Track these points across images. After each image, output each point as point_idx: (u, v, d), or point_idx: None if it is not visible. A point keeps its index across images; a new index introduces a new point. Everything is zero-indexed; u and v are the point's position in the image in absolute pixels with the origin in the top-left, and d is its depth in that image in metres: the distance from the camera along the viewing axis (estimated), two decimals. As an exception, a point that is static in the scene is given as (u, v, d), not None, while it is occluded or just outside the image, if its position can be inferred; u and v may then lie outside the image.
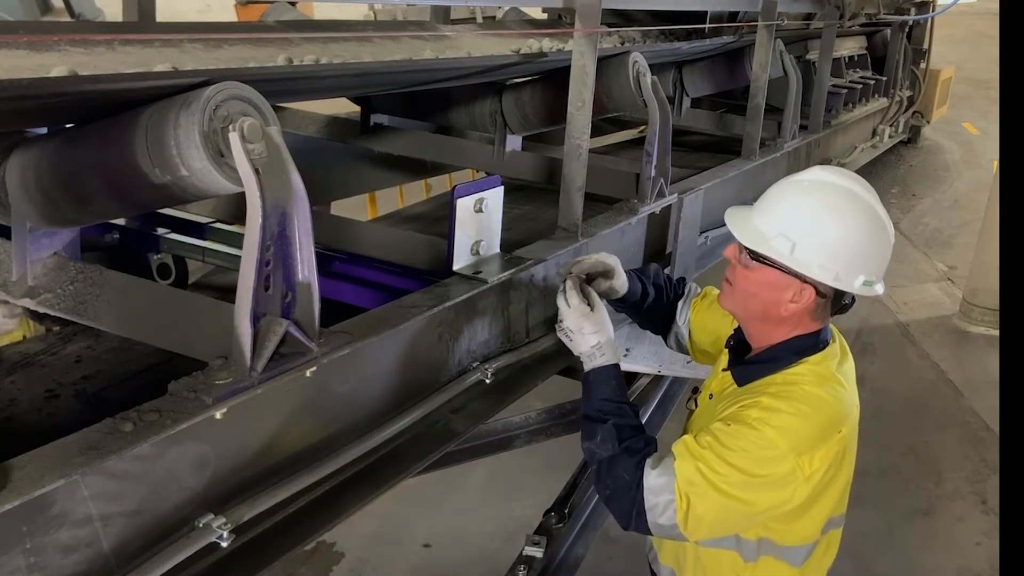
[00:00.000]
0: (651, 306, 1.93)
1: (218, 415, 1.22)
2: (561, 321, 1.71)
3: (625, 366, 2.43)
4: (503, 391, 1.88)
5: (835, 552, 1.66)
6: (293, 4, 2.50)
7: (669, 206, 2.63)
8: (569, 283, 1.72)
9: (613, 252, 2.43)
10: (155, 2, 2.08)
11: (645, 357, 2.44)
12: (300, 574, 3.19)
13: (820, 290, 1.50)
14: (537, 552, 2.07)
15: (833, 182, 1.54)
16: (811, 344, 1.56)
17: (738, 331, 1.69)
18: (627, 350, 2.46)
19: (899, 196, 8.26)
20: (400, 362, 1.64)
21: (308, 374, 1.36)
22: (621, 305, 1.93)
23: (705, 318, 1.91)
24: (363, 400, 1.56)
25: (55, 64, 1.24)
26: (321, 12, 7.08)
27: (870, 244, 1.51)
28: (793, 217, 1.51)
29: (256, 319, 1.25)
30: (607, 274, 1.83)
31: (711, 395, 1.69)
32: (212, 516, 1.23)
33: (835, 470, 1.50)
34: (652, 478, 1.48)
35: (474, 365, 1.85)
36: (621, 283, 1.85)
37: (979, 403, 4.49)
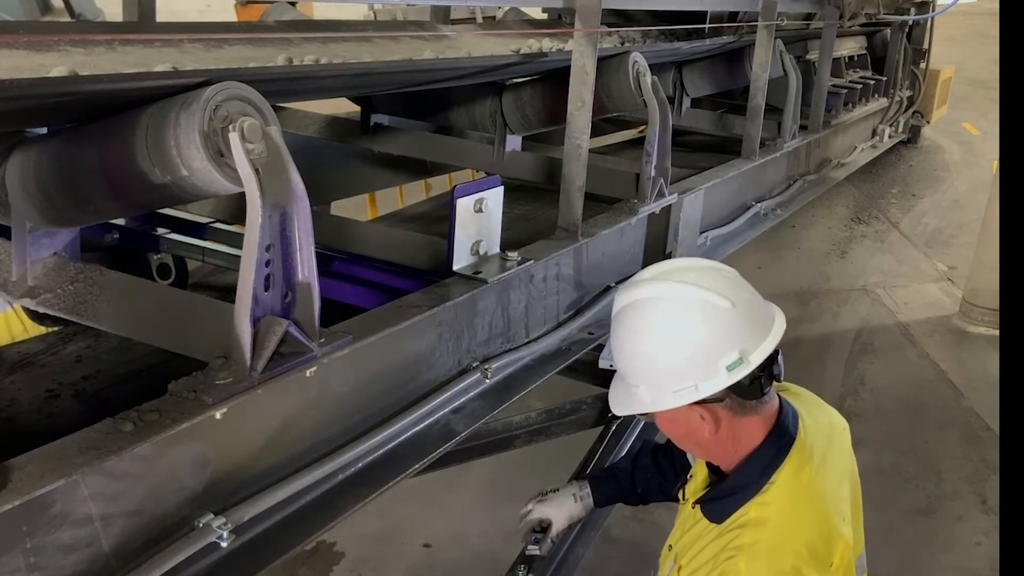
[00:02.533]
0: (642, 493, 1.96)
1: (218, 415, 1.22)
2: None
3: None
4: (503, 391, 1.88)
5: None
6: (293, 4, 2.50)
7: (669, 206, 2.63)
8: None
9: (613, 252, 2.45)
10: (155, 2, 2.08)
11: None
12: (300, 574, 3.19)
13: (707, 399, 1.35)
14: (537, 552, 2.06)
15: (627, 303, 1.41)
16: (772, 454, 1.38)
17: None
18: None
19: (899, 196, 8.26)
20: (400, 362, 1.64)
21: (308, 374, 1.36)
22: (628, 499, 2.01)
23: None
24: (363, 400, 1.56)
25: (55, 64, 1.24)
26: (321, 12, 7.08)
27: (700, 336, 1.33)
28: (626, 363, 1.42)
29: (256, 319, 1.26)
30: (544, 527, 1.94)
31: (694, 504, 1.52)
32: (212, 516, 1.23)
33: None
34: None
35: (474, 365, 1.85)
36: (564, 519, 1.96)
37: (979, 403, 4.49)
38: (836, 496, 1.40)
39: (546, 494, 1.99)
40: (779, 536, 1.31)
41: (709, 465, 1.52)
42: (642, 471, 1.91)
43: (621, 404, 1.46)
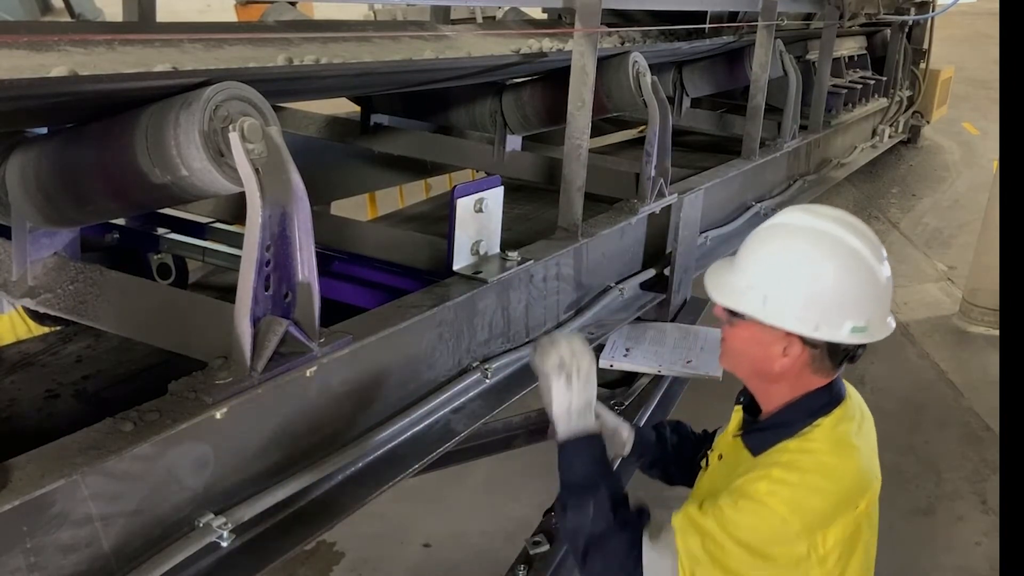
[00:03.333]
0: (676, 455, 1.78)
1: (218, 415, 1.22)
2: (571, 357, 1.53)
3: (625, 366, 2.43)
4: (503, 391, 1.88)
5: None
6: (293, 4, 2.51)
7: (669, 206, 2.63)
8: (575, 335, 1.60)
9: (613, 252, 2.45)
10: (155, 2, 2.08)
11: (645, 357, 2.44)
12: (300, 574, 3.19)
13: (808, 341, 1.39)
14: (537, 551, 2.06)
15: (803, 224, 1.45)
16: (823, 403, 1.44)
17: (746, 389, 1.59)
18: (627, 350, 2.46)
19: (899, 196, 8.26)
20: (400, 362, 1.64)
21: (308, 374, 1.36)
22: (640, 462, 1.81)
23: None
24: (363, 400, 1.56)
25: (55, 64, 1.24)
26: (321, 12, 7.08)
27: (851, 287, 1.38)
28: (764, 267, 1.42)
29: (256, 319, 1.26)
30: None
31: (720, 456, 1.59)
32: (212, 516, 1.23)
33: (850, 549, 1.39)
34: (652, 555, 1.38)
35: (474, 365, 1.85)
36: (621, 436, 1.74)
37: (979, 403, 4.49)
38: (869, 454, 1.46)
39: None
40: (812, 468, 1.37)
41: (747, 409, 1.57)
42: (680, 431, 1.82)
43: (729, 296, 1.45)
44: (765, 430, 1.47)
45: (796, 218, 1.47)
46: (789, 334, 1.39)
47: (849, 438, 1.43)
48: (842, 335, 1.38)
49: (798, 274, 1.39)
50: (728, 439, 1.61)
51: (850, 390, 1.53)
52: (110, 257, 2.23)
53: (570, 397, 1.52)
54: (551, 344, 1.55)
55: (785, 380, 1.44)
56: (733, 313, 1.45)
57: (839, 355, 1.42)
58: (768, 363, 1.43)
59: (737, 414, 1.61)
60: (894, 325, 1.46)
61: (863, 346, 1.43)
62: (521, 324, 2.03)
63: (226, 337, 1.28)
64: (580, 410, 1.53)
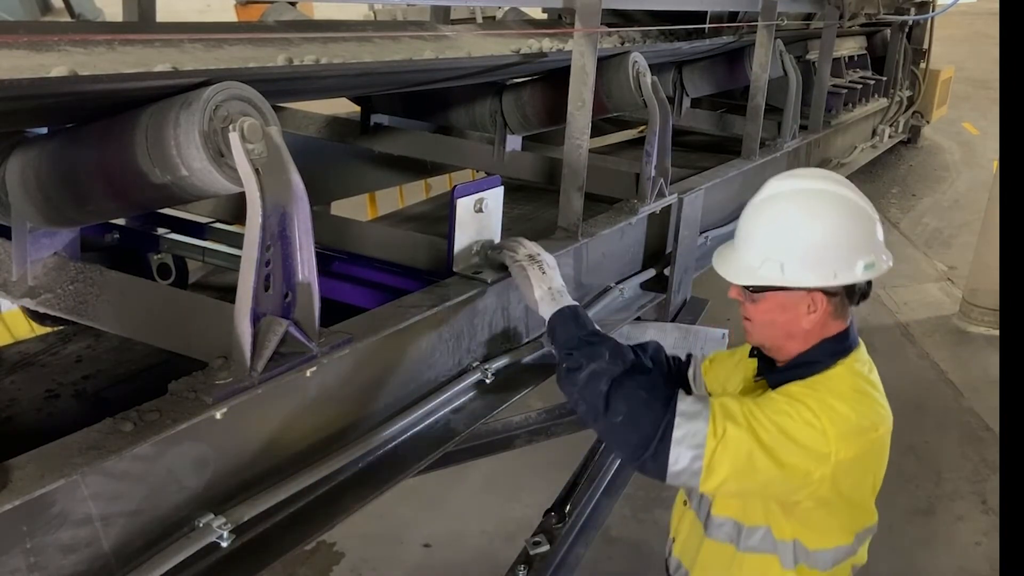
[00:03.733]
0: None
1: (218, 415, 1.22)
2: (538, 255, 1.73)
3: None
4: (503, 391, 1.88)
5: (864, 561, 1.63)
6: (293, 4, 2.50)
7: (669, 206, 2.63)
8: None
9: (613, 252, 2.45)
10: (155, 2, 2.08)
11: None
12: (300, 574, 3.19)
13: (829, 291, 1.49)
14: (537, 552, 2.07)
15: (790, 189, 1.54)
16: (843, 346, 1.54)
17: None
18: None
19: (899, 196, 8.26)
20: (400, 362, 1.64)
21: (308, 374, 1.36)
22: None
23: (717, 375, 1.84)
24: (363, 400, 1.56)
25: (55, 64, 1.24)
26: (321, 12, 7.08)
27: (852, 229, 1.49)
28: (771, 237, 1.50)
29: (256, 319, 1.25)
30: None
31: (758, 377, 1.67)
32: (212, 516, 1.23)
33: (864, 469, 1.49)
34: (687, 403, 1.42)
35: (474, 365, 1.85)
36: None
37: (979, 403, 4.49)
38: (883, 393, 1.56)
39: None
40: (836, 389, 1.48)
41: (762, 357, 1.64)
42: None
43: (747, 274, 1.52)
44: (789, 370, 1.55)
45: (782, 185, 1.55)
46: (811, 291, 1.48)
47: (866, 375, 1.55)
48: (857, 274, 1.48)
49: (805, 233, 1.48)
50: (738, 382, 1.70)
51: (861, 341, 1.62)
52: (110, 257, 2.23)
53: (547, 281, 1.68)
54: (517, 243, 1.78)
55: (813, 333, 1.53)
56: (755, 290, 1.52)
57: (855, 295, 1.54)
58: (797, 324, 1.52)
59: (750, 363, 1.69)
60: (891, 258, 1.56)
61: (870, 282, 1.54)
62: (521, 324, 2.03)
63: (226, 337, 1.28)
64: (559, 290, 1.67)
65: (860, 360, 1.56)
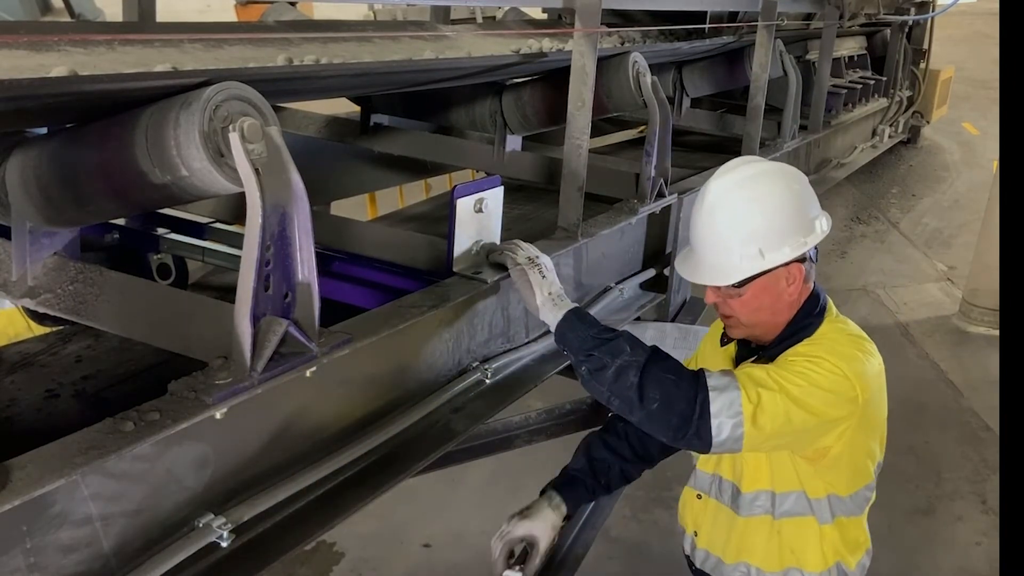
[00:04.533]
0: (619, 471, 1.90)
1: (218, 415, 1.22)
2: (536, 257, 1.74)
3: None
4: (503, 391, 1.88)
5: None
6: (293, 4, 2.50)
7: (669, 206, 2.63)
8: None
9: (613, 252, 2.45)
10: (155, 2, 2.08)
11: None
12: (300, 574, 3.19)
13: (800, 258, 1.57)
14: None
15: (731, 183, 1.59)
16: (820, 306, 1.63)
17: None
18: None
19: (899, 196, 8.26)
20: (400, 362, 1.64)
21: (308, 374, 1.36)
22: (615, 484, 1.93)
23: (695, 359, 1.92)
24: (363, 400, 1.56)
25: (55, 64, 1.24)
26: (321, 12, 7.08)
27: (798, 196, 1.58)
28: (738, 233, 1.55)
29: (256, 319, 1.25)
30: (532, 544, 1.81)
31: (755, 359, 1.70)
32: (212, 516, 1.23)
33: (878, 401, 1.58)
34: (715, 378, 1.48)
35: (474, 365, 1.85)
36: (548, 528, 1.82)
37: (979, 403, 4.49)
38: (869, 340, 1.63)
39: (520, 512, 1.86)
40: (837, 340, 1.57)
41: (742, 346, 1.71)
42: (601, 464, 1.89)
43: (733, 273, 1.56)
44: (782, 341, 1.61)
45: (721, 183, 1.61)
46: (786, 264, 1.55)
47: (848, 326, 1.64)
48: (819, 231, 1.58)
49: (767, 214, 1.55)
50: (722, 364, 1.73)
51: (828, 298, 1.71)
52: (110, 257, 2.23)
53: (547, 285, 1.69)
54: (516, 246, 1.80)
55: (793, 303, 1.61)
56: (741, 284, 1.57)
57: (815, 255, 1.63)
58: (781, 299, 1.59)
59: (724, 351, 1.75)
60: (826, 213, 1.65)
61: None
62: (521, 324, 2.03)
63: (226, 337, 1.27)
64: (559, 294, 1.69)
65: (835, 311, 1.66)
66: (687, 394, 1.46)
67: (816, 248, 1.62)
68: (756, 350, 1.68)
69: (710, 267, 1.60)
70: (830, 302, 1.68)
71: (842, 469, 1.61)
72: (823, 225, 1.59)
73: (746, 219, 1.55)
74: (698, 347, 1.94)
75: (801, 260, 1.57)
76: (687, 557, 1.90)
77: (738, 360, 1.72)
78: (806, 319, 1.61)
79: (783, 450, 1.60)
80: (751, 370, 1.52)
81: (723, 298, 1.61)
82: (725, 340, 1.74)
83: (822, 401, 1.48)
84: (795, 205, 1.56)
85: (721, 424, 1.44)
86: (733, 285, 1.57)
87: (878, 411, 1.62)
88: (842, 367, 1.49)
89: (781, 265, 1.55)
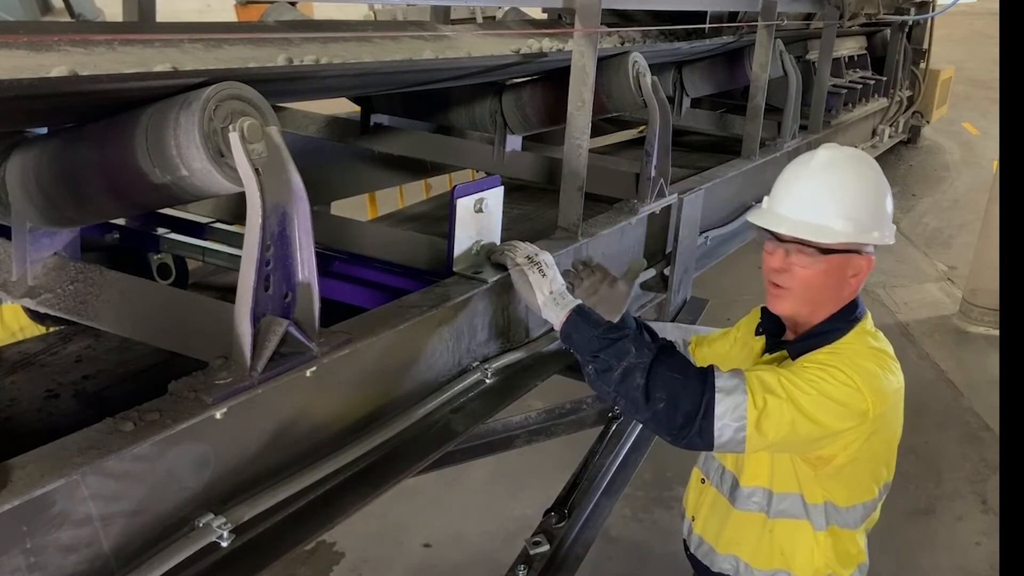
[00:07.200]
0: None
1: (218, 415, 1.22)
2: (536, 255, 1.73)
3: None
4: (503, 391, 1.88)
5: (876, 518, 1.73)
6: (293, 4, 2.50)
7: (669, 206, 2.63)
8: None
9: (613, 252, 2.45)
10: (155, 2, 2.07)
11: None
12: (300, 574, 3.19)
13: (867, 255, 1.58)
14: (537, 552, 2.06)
15: (845, 155, 1.63)
16: (856, 314, 1.62)
17: (768, 319, 1.72)
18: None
19: (899, 196, 8.25)
20: (400, 362, 1.64)
21: (308, 374, 1.36)
22: None
23: (706, 356, 1.89)
24: (363, 400, 1.56)
25: (55, 64, 1.24)
26: (321, 12, 7.08)
27: (888, 193, 1.62)
28: (843, 199, 1.55)
29: (256, 319, 1.25)
30: None
31: (777, 349, 1.71)
32: (212, 516, 1.23)
33: (892, 420, 1.56)
34: (724, 379, 1.47)
35: (474, 365, 1.85)
36: None
37: (979, 403, 4.49)
38: (893, 358, 1.62)
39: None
40: (858, 351, 1.55)
41: (770, 337, 1.71)
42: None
43: (825, 233, 1.55)
44: (809, 339, 1.60)
45: (834, 153, 1.62)
46: (858, 254, 1.56)
47: (878, 336, 1.63)
48: (890, 235, 1.60)
49: (872, 194, 1.57)
50: (743, 359, 1.75)
51: (868, 310, 1.69)
52: (110, 257, 2.23)
53: (547, 283, 1.68)
54: (514, 246, 1.78)
55: (847, 294, 1.61)
56: (824, 251, 1.55)
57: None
58: (840, 288, 1.59)
59: (756, 341, 1.75)
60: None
61: None
62: (521, 324, 2.03)
63: (226, 337, 1.28)
64: (560, 292, 1.68)
65: (870, 324, 1.65)
66: (693, 393, 1.46)
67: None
68: (782, 344, 1.67)
69: (804, 224, 1.56)
70: (868, 316, 1.66)
71: (843, 480, 1.59)
72: (894, 232, 1.63)
73: (856, 189, 1.57)
74: (735, 326, 1.91)
75: (868, 256, 1.59)
76: (684, 540, 1.91)
77: (765, 354, 1.73)
78: (836, 323, 1.60)
79: (787, 453, 1.59)
80: (762, 373, 1.50)
81: (790, 265, 1.58)
82: (759, 331, 1.75)
83: (830, 412, 1.46)
84: (886, 200, 1.60)
85: (724, 427, 1.44)
86: (822, 250, 1.55)
87: (890, 430, 1.60)
88: (856, 379, 1.48)
89: (864, 248, 1.57)
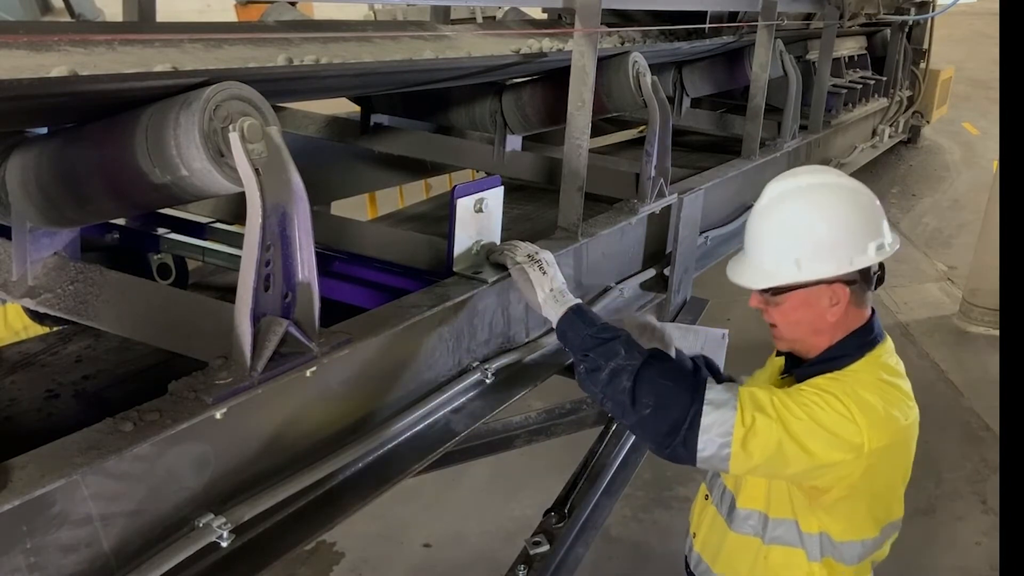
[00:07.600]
0: None
1: (218, 415, 1.22)
2: (536, 253, 1.72)
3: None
4: (503, 391, 1.88)
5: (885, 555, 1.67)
6: (293, 4, 2.50)
7: (669, 206, 2.63)
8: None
9: (613, 252, 2.45)
10: (155, 2, 2.07)
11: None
12: (300, 574, 3.19)
13: (847, 280, 1.50)
14: (537, 552, 2.07)
15: (791, 188, 1.56)
16: (868, 339, 1.56)
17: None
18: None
19: (899, 196, 8.26)
20: (400, 362, 1.64)
21: (308, 374, 1.36)
22: None
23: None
24: (363, 400, 1.56)
25: (55, 64, 1.24)
26: (321, 12, 7.08)
27: (858, 215, 1.51)
28: (781, 239, 1.52)
29: (256, 319, 1.25)
30: None
31: (785, 374, 1.68)
32: (212, 516, 1.23)
33: (894, 458, 1.50)
34: (715, 391, 1.44)
35: (474, 365, 1.85)
36: None
37: (979, 403, 4.49)
38: (906, 393, 1.55)
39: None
40: (862, 381, 1.48)
41: (789, 357, 1.66)
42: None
43: (764, 278, 1.53)
44: (816, 364, 1.55)
45: (782, 186, 1.57)
46: (831, 283, 1.49)
47: (893, 366, 1.56)
48: (871, 256, 1.50)
49: (815, 227, 1.49)
50: (764, 382, 1.70)
51: (888, 336, 1.63)
52: (110, 257, 2.23)
53: (548, 281, 1.67)
54: (514, 246, 1.78)
55: (835, 325, 1.54)
56: (776, 292, 1.53)
57: (870, 280, 1.54)
58: (822, 319, 1.52)
59: (777, 361, 1.72)
60: (899, 240, 1.57)
61: (883, 267, 1.56)
62: (521, 324, 2.03)
63: (226, 337, 1.28)
64: (560, 290, 1.67)
65: (887, 352, 1.58)
66: (682, 402, 1.43)
67: (877, 275, 1.55)
68: (795, 367, 1.63)
69: (749, 268, 1.57)
70: (886, 342, 1.59)
71: (839, 515, 1.54)
72: (878, 251, 1.51)
73: (794, 227, 1.51)
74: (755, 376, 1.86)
75: (849, 282, 1.50)
76: (685, 556, 1.89)
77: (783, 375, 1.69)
78: (846, 348, 1.54)
79: (779, 479, 1.55)
80: (755, 390, 1.47)
81: (765, 305, 1.58)
82: (779, 351, 1.71)
83: (819, 440, 1.41)
84: (849, 224, 1.49)
85: (709, 441, 1.41)
86: (768, 292, 1.53)
87: (892, 469, 1.53)
88: (852, 410, 1.42)
89: (821, 281, 1.49)
